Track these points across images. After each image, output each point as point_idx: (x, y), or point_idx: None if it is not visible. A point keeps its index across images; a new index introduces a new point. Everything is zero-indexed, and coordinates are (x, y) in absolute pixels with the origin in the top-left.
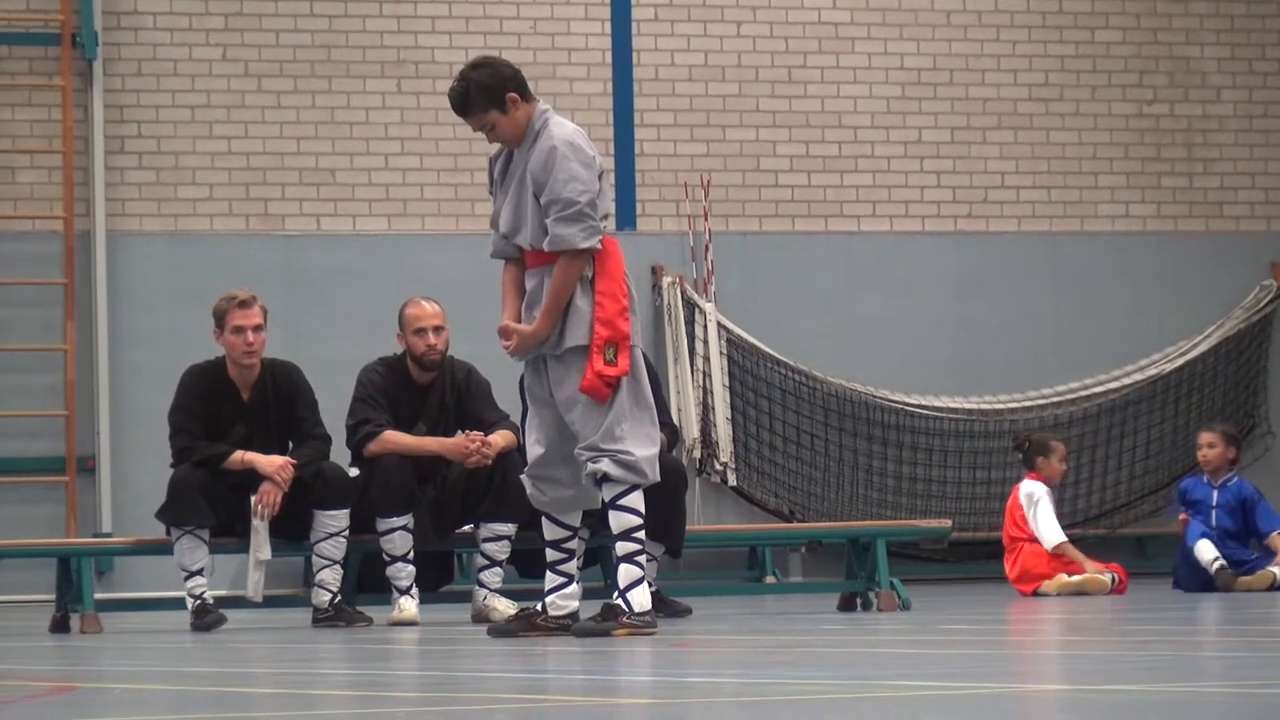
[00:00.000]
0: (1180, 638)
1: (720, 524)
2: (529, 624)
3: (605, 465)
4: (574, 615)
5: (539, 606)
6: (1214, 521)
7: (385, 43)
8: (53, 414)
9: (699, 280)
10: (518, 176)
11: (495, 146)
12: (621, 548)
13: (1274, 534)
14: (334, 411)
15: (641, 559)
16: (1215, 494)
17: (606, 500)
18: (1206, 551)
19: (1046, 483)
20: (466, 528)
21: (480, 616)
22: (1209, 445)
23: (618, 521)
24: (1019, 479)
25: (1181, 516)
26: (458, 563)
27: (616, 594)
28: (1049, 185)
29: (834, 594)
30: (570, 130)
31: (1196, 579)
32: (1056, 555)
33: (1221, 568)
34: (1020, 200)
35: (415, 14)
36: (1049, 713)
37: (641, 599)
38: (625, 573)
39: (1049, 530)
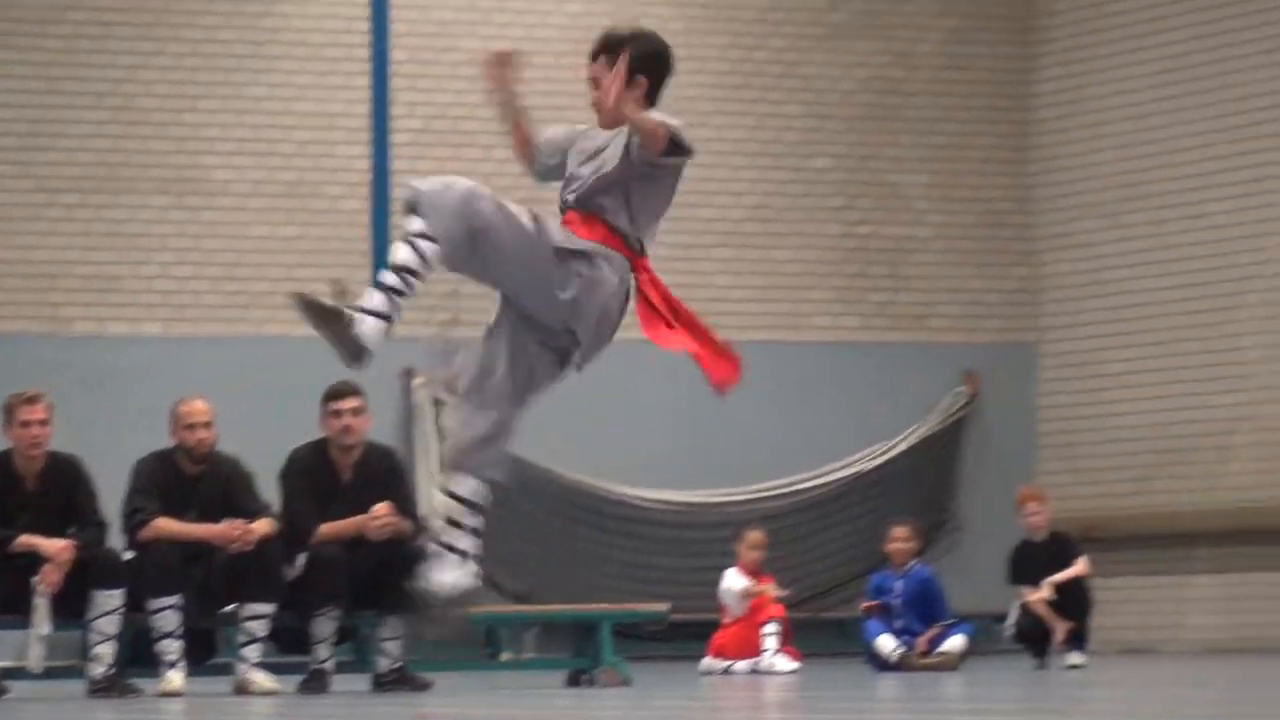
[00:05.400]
0: (867, 714)
1: None
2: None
3: None
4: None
5: None
6: (899, 609)
7: (166, 161)
8: None
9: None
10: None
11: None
12: None
13: (938, 624)
14: (112, 499)
15: None
16: (900, 583)
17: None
18: (886, 644)
19: (747, 568)
20: (230, 607)
21: (241, 688)
22: (904, 539)
23: None
24: (732, 565)
25: (864, 606)
26: (222, 638)
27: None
28: (767, 299)
29: (563, 670)
30: None
31: (883, 662)
32: (748, 596)
33: (904, 654)
34: (741, 312)
35: (194, 135)
36: None
37: None
38: None
39: (731, 586)
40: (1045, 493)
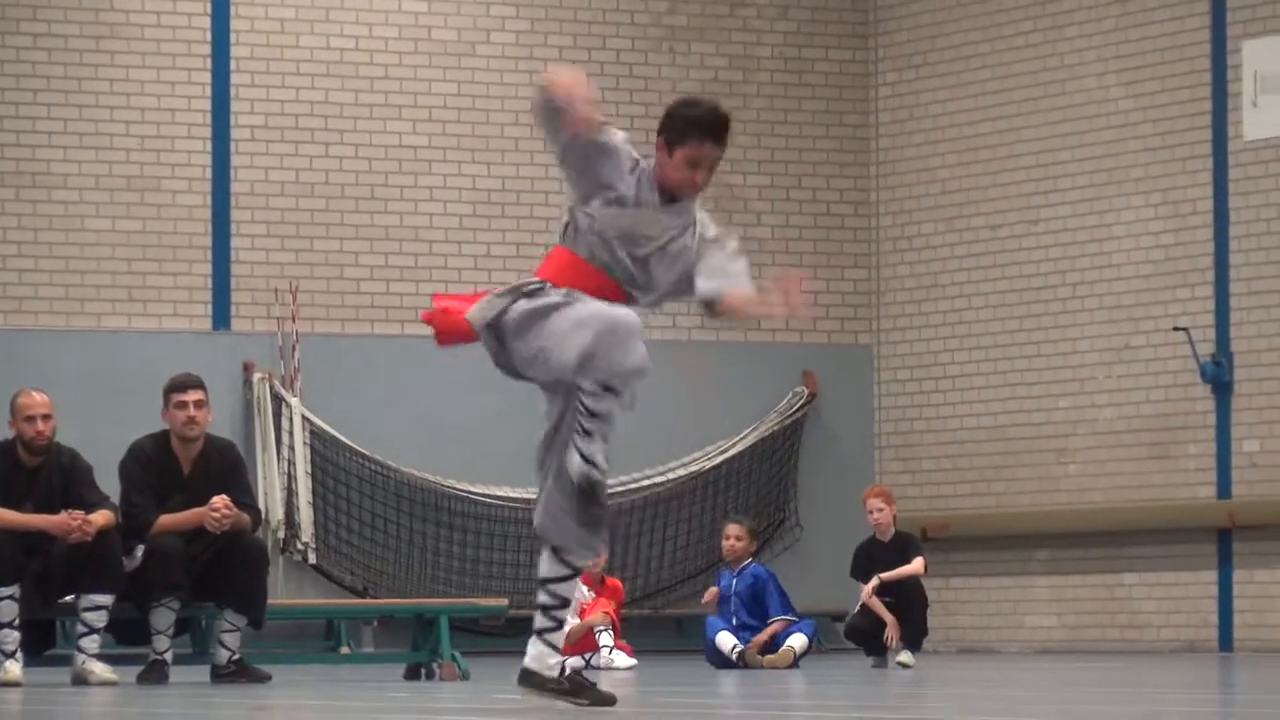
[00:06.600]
0: (705, 710)
1: (300, 598)
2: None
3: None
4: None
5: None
6: (733, 606)
7: (5, 155)
8: None
9: (286, 377)
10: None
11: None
12: None
13: (777, 619)
14: None
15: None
16: (735, 581)
17: None
18: (726, 641)
19: (588, 574)
20: (68, 597)
21: (79, 679)
22: (737, 537)
23: None
24: None
25: (707, 597)
26: (60, 629)
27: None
28: None
29: (402, 664)
30: None
31: (723, 659)
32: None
33: (741, 651)
34: None
35: (34, 129)
36: None
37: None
38: None
39: None
40: (890, 491)
